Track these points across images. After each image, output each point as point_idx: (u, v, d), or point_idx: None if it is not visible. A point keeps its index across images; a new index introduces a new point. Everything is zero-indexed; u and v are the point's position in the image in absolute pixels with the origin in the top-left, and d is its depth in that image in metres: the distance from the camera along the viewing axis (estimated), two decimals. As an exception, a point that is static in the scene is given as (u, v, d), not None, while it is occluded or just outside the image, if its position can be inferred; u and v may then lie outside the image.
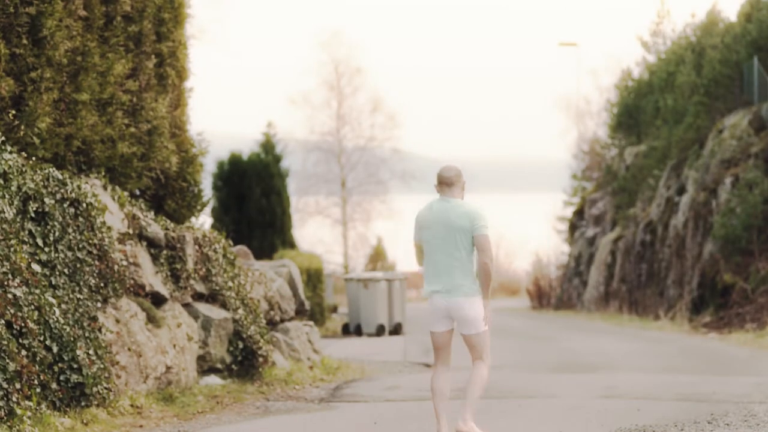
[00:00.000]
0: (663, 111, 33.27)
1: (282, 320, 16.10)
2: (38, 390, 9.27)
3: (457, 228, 8.99)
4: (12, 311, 9.21)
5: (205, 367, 13.22)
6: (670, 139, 32.14)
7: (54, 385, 9.58)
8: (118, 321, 11.31)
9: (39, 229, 10.26)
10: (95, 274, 10.98)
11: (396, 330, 24.25)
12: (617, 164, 37.58)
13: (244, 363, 13.56)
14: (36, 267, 9.91)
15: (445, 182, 9.14)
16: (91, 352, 10.16)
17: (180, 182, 14.33)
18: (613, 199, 36.84)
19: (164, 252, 12.93)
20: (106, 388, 10.21)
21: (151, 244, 12.81)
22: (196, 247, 13.51)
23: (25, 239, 10.02)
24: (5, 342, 8.92)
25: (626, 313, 30.81)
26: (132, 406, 10.76)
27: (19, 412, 8.76)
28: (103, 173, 12.48)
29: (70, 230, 10.67)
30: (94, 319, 10.57)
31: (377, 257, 49.92)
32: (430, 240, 9.09)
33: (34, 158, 10.93)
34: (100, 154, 12.48)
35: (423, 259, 9.16)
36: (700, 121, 30.40)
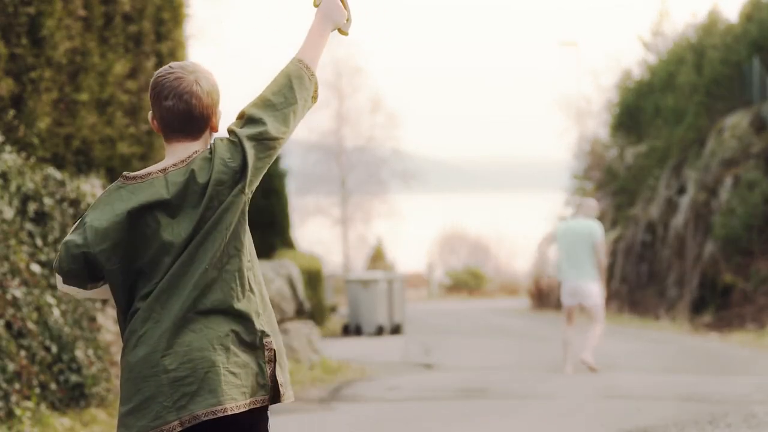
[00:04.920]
0: (663, 111, 33.24)
1: (282, 321, 16.08)
2: (37, 390, 9.26)
3: (583, 236, 14.12)
4: (11, 311, 9.19)
5: (205, 367, 13.21)
6: (670, 139, 32.12)
7: (53, 386, 9.56)
8: (117, 321, 11.29)
9: (38, 229, 10.24)
10: (95, 275, 10.96)
11: (396, 330, 24.24)
12: (618, 164, 37.55)
13: (243, 363, 13.55)
14: (35, 267, 9.89)
15: (578, 207, 14.92)
16: (90, 352, 10.14)
17: (180, 182, 14.32)
18: (614, 199, 36.82)
19: (164, 252, 12.92)
20: (105, 389, 10.20)
21: (151, 244, 12.79)
22: (196, 247, 13.49)
23: (25, 239, 10.01)
24: (5, 342, 8.90)
25: (626, 314, 30.79)
26: (132, 406, 10.73)
27: (18, 412, 8.75)
28: (102, 173, 12.47)
29: (69, 230, 10.66)
30: (94, 319, 10.56)
31: (377, 257, 49.91)
32: (567, 244, 14.25)
33: (33, 158, 10.91)
34: (99, 154, 12.46)
35: (560, 254, 14.48)
36: (700, 121, 30.38)
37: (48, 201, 10.42)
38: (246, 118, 3.85)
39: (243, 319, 3.75)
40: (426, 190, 61.38)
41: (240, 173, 3.76)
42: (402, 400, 12.27)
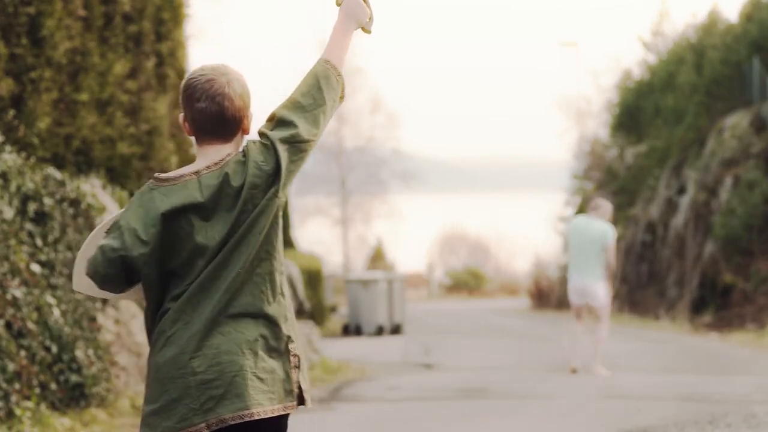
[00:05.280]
0: (663, 111, 33.25)
1: (282, 320, 16.08)
2: (38, 390, 9.25)
3: (593, 237, 14.03)
4: (11, 311, 9.19)
5: (205, 367, 13.20)
6: (670, 139, 32.12)
7: (53, 386, 9.56)
8: (117, 321, 11.29)
9: (38, 229, 10.24)
10: (95, 275, 10.94)
11: (396, 330, 24.24)
12: (618, 164, 37.56)
13: (244, 363, 13.53)
14: (35, 267, 9.89)
15: (592, 208, 14.46)
16: (90, 352, 10.14)
17: (180, 182, 14.31)
18: (614, 199, 36.82)
19: (164, 252, 12.90)
20: (105, 389, 10.19)
21: (151, 244, 12.77)
22: (196, 247, 13.48)
23: (25, 239, 10.00)
24: (5, 342, 8.90)
25: (626, 314, 30.80)
26: (132, 406, 10.74)
27: (18, 412, 8.75)
28: (102, 173, 12.47)
29: (69, 230, 10.66)
30: (94, 319, 10.56)
31: (377, 258, 49.91)
32: (576, 244, 14.25)
33: (33, 158, 10.91)
34: (99, 154, 12.46)
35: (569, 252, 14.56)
36: (700, 121, 30.38)
37: (48, 201, 10.41)
38: (276, 121, 3.83)
39: (272, 323, 3.72)
40: (426, 190, 61.36)
41: (273, 176, 3.74)
42: (402, 400, 12.27)
